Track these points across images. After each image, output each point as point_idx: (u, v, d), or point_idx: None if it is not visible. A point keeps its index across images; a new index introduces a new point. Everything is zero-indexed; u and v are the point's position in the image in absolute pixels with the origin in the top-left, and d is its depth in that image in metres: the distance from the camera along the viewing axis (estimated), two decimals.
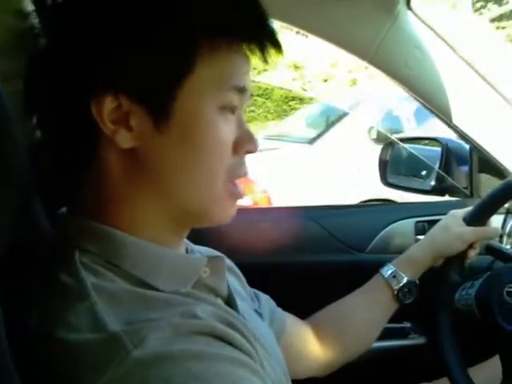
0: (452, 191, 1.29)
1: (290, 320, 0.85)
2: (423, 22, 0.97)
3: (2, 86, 0.51)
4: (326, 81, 10.43)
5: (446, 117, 1.05)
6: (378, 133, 3.81)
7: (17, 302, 0.48)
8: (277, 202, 3.42)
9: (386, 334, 0.99)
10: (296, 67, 10.50)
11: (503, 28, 10.16)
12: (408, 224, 1.18)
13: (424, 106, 1.08)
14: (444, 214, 0.98)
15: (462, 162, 1.26)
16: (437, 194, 1.32)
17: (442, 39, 0.99)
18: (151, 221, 0.54)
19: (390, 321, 0.93)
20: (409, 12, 0.96)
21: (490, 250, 0.97)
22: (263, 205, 3.36)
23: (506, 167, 1.08)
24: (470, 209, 0.93)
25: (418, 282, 0.92)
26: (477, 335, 0.93)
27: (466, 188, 1.25)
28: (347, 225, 1.21)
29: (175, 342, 0.43)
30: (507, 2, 11.29)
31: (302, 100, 9.82)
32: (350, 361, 0.90)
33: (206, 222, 0.58)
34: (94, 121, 0.50)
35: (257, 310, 0.74)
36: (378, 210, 1.30)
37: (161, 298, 0.50)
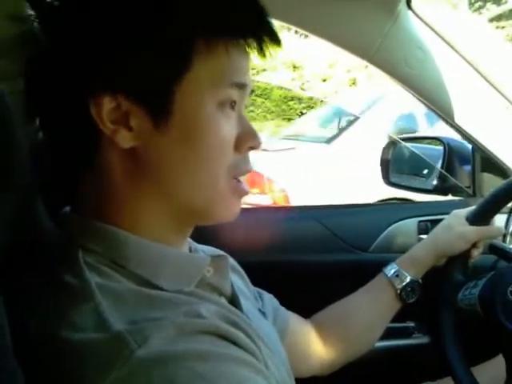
0: (454, 190, 1.29)
1: (294, 319, 0.85)
2: (424, 21, 0.98)
3: (3, 87, 0.51)
4: (324, 80, 10.41)
5: (448, 116, 1.06)
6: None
7: (18, 302, 0.48)
8: (295, 201, 3.42)
9: (389, 334, 1.00)
10: (295, 67, 10.48)
11: (502, 28, 10.12)
12: (411, 223, 1.18)
13: (426, 105, 1.08)
14: (447, 213, 0.97)
15: (465, 161, 1.26)
16: (439, 194, 1.32)
17: (443, 39, 0.99)
18: (154, 220, 0.54)
19: (394, 320, 0.93)
20: (409, 12, 0.96)
21: (493, 249, 0.96)
22: (282, 204, 3.35)
23: (508, 166, 1.08)
24: (472, 208, 0.93)
25: (421, 281, 0.92)
26: (480, 335, 0.92)
27: (468, 187, 1.25)
28: (350, 224, 1.21)
29: (179, 342, 0.43)
30: (506, 2, 11.25)
31: (300, 100, 9.81)
32: (352, 360, 0.90)
33: (210, 220, 0.57)
34: (93, 121, 0.50)
35: (260, 309, 0.74)
36: (380, 210, 1.30)
37: (165, 297, 0.49)
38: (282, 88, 9.70)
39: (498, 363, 0.88)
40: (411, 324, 1.15)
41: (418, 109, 4.11)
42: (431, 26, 0.98)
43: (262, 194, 3.47)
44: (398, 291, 0.90)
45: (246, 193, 0.58)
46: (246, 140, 0.56)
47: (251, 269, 0.78)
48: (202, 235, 0.65)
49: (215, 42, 0.51)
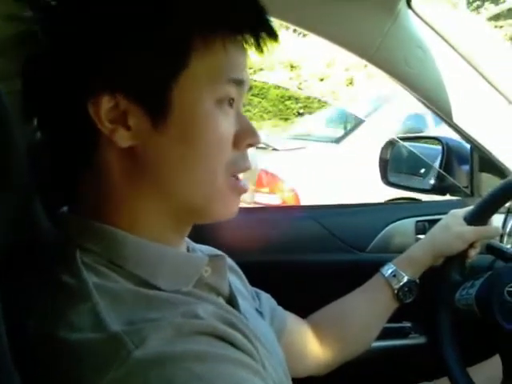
0: (453, 190, 1.29)
1: (291, 319, 0.85)
2: (424, 21, 0.97)
3: (1, 86, 0.51)
4: (322, 80, 10.40)
5: (446, 116, 1.05)
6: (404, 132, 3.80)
7: (16, 302, 0.48)
8: (305, 201, 3.42)
9: (386, 334, 1.00)
10: (292, 67, 10.47)
11: (500, 27, 10.13)
12: (408, 223, 1.18)
13: (425, 104, 1.08)
14: (444, 213, 0.98)
15: (463, 161, 1.26)
16: (437, 193, 1.32)
17: (443, 38, 0.99)
18: (152, 219, 0.54)
19: (391, 320, 0.93)
20: (409, 11, 0.96)
21: (490, 249, 0.97)
22: (291, 203, 3.36)
23: (506, 166, 1.08)
24: (470, 208, 0.93)
25: (418, 281, 0.92)
26: (477, 335, 0.93)
27: (466, 187, 1.25)
28: (348, 224, 1.21)
29: (177, 343, 0.43)
30: (504, 1, 11.24)
31: (297, 99, 9.80)
32: (349, 359, 0.90)
33: (209, 218, 0.57)
34: (91, 121, 0.49)
35: (257, 309, 0.74)
36: (378, 210, 1.30)
37: (163, 297, 0.49)
38: (279, 87, 9.70)
39: (495, 363, 0.88)
40: (408, 324, 1.15)
41: (427, 109, 4.11)
42: (431, 26, 0.98)
43: (272, 193, 3.48)
44: (395, 291, 0.90)
45: (244, 190, 0.58)
46: (245, 137, 0.56)
47: (249, 268, 0.78)
48: (200, 235, 0.65)
49: (213, 38, 0.51)
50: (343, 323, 0.90)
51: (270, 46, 0.54)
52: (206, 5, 0.51)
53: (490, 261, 0.98)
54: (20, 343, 0.45)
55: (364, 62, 1.02)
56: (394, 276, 0.90)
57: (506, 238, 1.09)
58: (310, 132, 4.89)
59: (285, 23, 1.01)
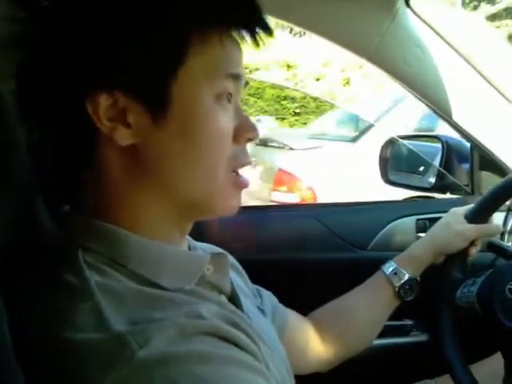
0: (453, 189, 1.29)
1: (292, 316, 0.85)
2: (422, 19, 0.98)
3: (1, 86, 0.51)
4: (318, 80, 10.37)
5: (446, 114, 1.06)
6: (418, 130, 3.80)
7: (18, 301, 0.48)
8: (322, 199, 3.44)
9: (387, 332, 1.00)
10: (288, 66, 10.45)
11: (497, 27, 10.10)
12: (409, 222, 1.18)
13: (424, 103, 1.08)
14: (445, 211, 0.98)
15: (463, 160, 1.26)
16: (437, 192, 1.32)
17: (441, 37, 0.99)
18: (154, 217, 0.54)
19: (392, 318, 0.93)
20: (408, 10, 0.96)
21: (491, 247, 0.97)
22: (310, 201, 3.38)
23: (507, 165, 1.08)
24: (471, 206, 0.93)
25: (419, 279, 0.92)
26: (478, 332, 0.93)
27: (466, 185, 1.25)
28: (348, 222, 1.21)
29: (181, 343, 0.43)
30: (500, 1, 11.21)
31: (294, 99, 9.78)
32: (351, 357, 0.90)
33: (210, 214, 0.57)
34: (90, 120, 0.49)
35: (259, 307, 0.74)
36: (379, 208, 1.30)
37: (166, 296, 0.49)
38: (275, 87, 9.68)
39: (496, 361, 0.88)
40: (409, 322, 1.15)
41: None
42: (430, 24, 0.98)
43: (290, 192, 3.50)
44: (396, 289, 0.90)
45: (245, 185, 0.58)
46: (244, 131, 0.56)
47: (250, 266, 0.78)
48: (201, 233, 0.65)
49: (210, 33, 0.51)
50: (344, 321, 0.90)
51: (265, 41, 0.55)
52: (203, 0, 0.51)
53: (491, 259, 0.99)
54: (22, 343, 0.45)
55: (360, 61, 1.02)
56: (395, 274, 0.90)
57: (506, 236, 1.10)
58: (327, 131, 4.89)
59: (281, 22, 1.01)
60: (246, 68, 0.67)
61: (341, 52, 1.02)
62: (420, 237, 1.12)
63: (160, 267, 0.52)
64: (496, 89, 1.02)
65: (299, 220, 1.22)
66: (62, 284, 0.48)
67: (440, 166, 1.28)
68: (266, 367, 0.51)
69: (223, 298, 0.60)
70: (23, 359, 0.44)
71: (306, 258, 1.16)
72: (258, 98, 9.82)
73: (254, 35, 0.54)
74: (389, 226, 1.17)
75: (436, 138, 1.37)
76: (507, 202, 1.03)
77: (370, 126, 4.06)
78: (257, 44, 0.54)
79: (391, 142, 1.49)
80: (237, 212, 0.58)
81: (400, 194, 1.39)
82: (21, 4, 0.51)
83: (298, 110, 9.71)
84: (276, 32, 0.56)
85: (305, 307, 0.90)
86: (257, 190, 3.88)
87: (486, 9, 11.22)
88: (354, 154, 3.89)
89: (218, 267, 0.58)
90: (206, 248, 0.70)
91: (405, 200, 1.51)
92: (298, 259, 1.16)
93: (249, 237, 1.15)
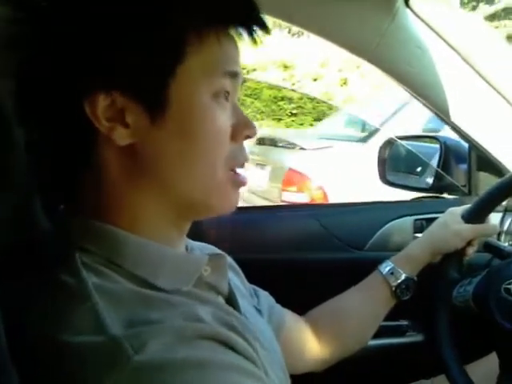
0: (450, 189, 1.29)
1: (289, 316, 0.85)
2: (422, 19, 0.98)
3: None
4: (315, 80, 10.35)
5: (444, 114, 1.06)
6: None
7: (15, 302, 0.48)
8: (333, 199, 3.45)
9: (384, 332, 1.00)
10: (285, 67, 10.42)
11: (496, 28, 10.09)
12: (406, 222, 1.18)
13: (423, 103, 1.08)
14: (442, 212, 0.98)
15: (461, 160, 1.26)
16: (435, 192, 1.32)
17: (441, 37, 0.99)
18: (152, 217, 0.54)
19: (388, 318, 0.94)
20: (407, 10, 0.96)
21: (488, 247, 0.97)
22: (320, 201, 3.39)
23: (504, 165, 1.08)
24: (468, 206, 0.94)
25: (416, 278, 0.92)
26: (474, 333, 0.93)
27: (464, 186, 1.26)
28: (346, 223, 1.21)
29: (178, 348, 0.42)
30: (498, 1, 11.18)
31: (291, 100, 9.76)
32: (347, 356, 0.90)
33: (209, 213, 0.57)
34: (88, 120, 0.49)
35: (256, 307, 0.74)
36: (376, 208, 1.31)
37: (163, 297, 0.49)
38: (272, 88, 9.66)
39: (492, 361, 0.89)
40: (405, 322, 1.15)
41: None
42: (429, 24, 0.98)
43: (300, 192, 3.52)
44: (393, 288, 0.90)
45: (244, 183, 0.58)
46: (242, 129, 0.56)
47: (247, 266, 0.78)
48: (199, 233, 0.65)
49: (207, 32, 0.51)
50: (341, 320, 0.90)
51: (262, 39, 0.55)
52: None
53: (488, 259, 0.99)
54: (19, 343, 0.45)
55: (357, 61, 1.02)
56: (392, 273, 0.90)
57: (503, 237, 1.10)
58: (333, 132, 4.91)
59: (278, 22, 1.01)
60: (244, 69, 0.67)
61: (338, 52, 1.02)
62: (417, 237, 1.12)
63: (158, 268, 0.52)
64: (495, 89, 1.02)
65: (296, 220, 1.22)
66: (60, 285, 0.48)
67: (438, 166, 1.28)
68: (265, 374, 0.51)
69: (220, 299, 0.60)
70: (20, 359, 0.43)
71: (303, 258, 1.16)
72: (255, 99, 9.79)
73: (251, 33, 0.54)
74: (386, 226, 1.18)
75: (434, 138, 1.37)
76: (504, 203, 1.03)
77: (378, 128, 4.06)
78: (254, 42, 0.55)
79: (389, 143, 1.49)
80: (234, 212, 0.58)
81: (409, 194, 1.39)
82: (19, 4, 0.51)
83: (294, 111, 9.69)
84: (273, 32, 0.56)
85: (302, 307, 0.90)
86: (266, 190, 3.89)
87: (485, 9, 11.21)
88: (365, 154, 3.91)
89: (216, 268, 0.58)
90: (203, 248, 0.70)
91: (402, 200, 1.51)
92: (295, 259, 1.16)
93: (246, 237, 1.15)
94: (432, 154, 1.33)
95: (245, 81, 0.58)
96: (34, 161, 0.56)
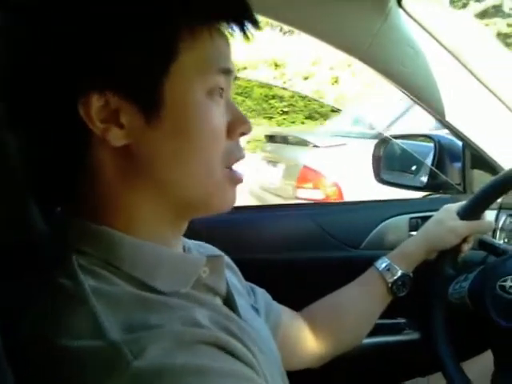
0: (445, 187, 1.29)
1: (286, 313, 0.85)
2: (414, 19, 0.98)
3: None
4: (306, 78, 10.33)
5: (438, 113, 1.06)
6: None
7: (11, 303, 0.48)
8: (348, 196, 3.46)
9: (380, 330, 1.00)
10: (276, 65, 10.39)
11: (486, 25, 10.09)
12: (402, 220, 1.19)
13: (416, 103, 1.08)
14: (437, 210, 0.98)
15: (455, 159, 1.27)
16: (430, 191, 1.33)
17: (434, 37, 1.00)
18: (148, 218, 0.54)
19: (385, 316, 0.94)
20: (400, 10, 0.97)
21: (482, 244, 0.98)
22: (335, 198, 3.40)
23: (498, 163, 1.09)
24: (463, 203, 0.94)
25: (412, 275, 0.92)
26: (470, 330, 0.93)
27: (459, 184, 1.26)
28: (342, 221, 1.21)
29: (178, 354, 0.42)
30: None
31: (282, 98, 9.73)
32: (343, 353, 0.90)
33: (206, 212, 0.57)
34: (82, 121, 0.49)
35: (253, 305, 0.74)
36: (372, 207, 1.31)
37: (161, 300, 0.49)
38: (263, 86, 9.63)
39: (487, 358, 0.89)
40: (402, 320, 1.15)
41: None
42: (422, 24, 0.99)
43: (315, 188, 3.53)
44: (389, 285, 0.90)
45: (241, 180, 0.58)
46: (237, 126, 0.56)
47: (243, 265, 0.78)
48: (195, 232, 0.65)
49: (199, 28, 0.51)
50: (337, 316, 0.90)
51: (253, 35, 0.55)
52: None
53: (483, 255, 0.99)
54: (15, 344, 0.45)
55: (349, 60, 1.03)
56: (388, 270, 0.91)
57: (498, 234, 1.11)
58: (345, 130, 4.90)
59: (270, 20, 1.01)
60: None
61: (330, 50, 1.02)
62: (413, 235, 1.13)
63: (155, 270, 0.52)
64: (487, 87, 1.02)
65: (292, 219, 1.22)
66: (57, 287, 0.48)
67: (432, 165, 1.28)
68: (265, 381, 0.51)
69: (218, 301, 0.59)
70: (16, 360, 0.43)
71: (299, 257, 1.16)
72: (246, 97, 9.76)
73: (243, 29, 0.54)
74: (382, 224, 1.18)
75: (428, 137, 1.37)
76: (498, 200, 1.03)
77: (393, 123, 4.04)
78: (246, 38, 0.55)
79: (384, 142, 1.49)
80: (229, 212, 0.58)
81: (412, 192, 1.39)
82: (17, 4, 0.51)
83: (285, 109, 9.68)
84: (265, 30, 0.57)
85: (298, 306, 0.90)
86: (279, 188, 3.88)
87: (475, 7, 11.22)
88: None
89: (214, 269, 0.58)
90: (200, 247, 0.69)
91: (397, 199, 1.52)
92: (291, 258, 1.16)
93: (241, 236, 1.15)
94: (426, 153, 1.33)
95: (235, 78, 0.58)
96: (28, 162, 0.55)
